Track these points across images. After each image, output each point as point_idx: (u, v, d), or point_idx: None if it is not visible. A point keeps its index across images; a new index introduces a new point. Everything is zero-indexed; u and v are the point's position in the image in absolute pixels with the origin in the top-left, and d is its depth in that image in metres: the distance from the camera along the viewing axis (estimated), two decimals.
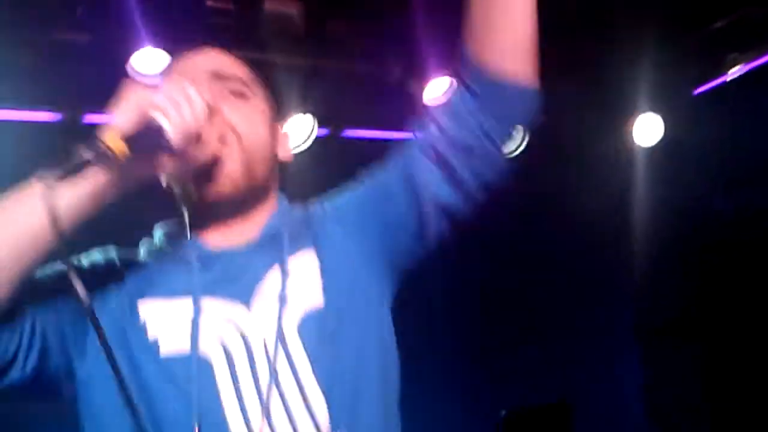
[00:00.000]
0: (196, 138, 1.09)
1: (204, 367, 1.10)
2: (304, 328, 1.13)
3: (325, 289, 1.17)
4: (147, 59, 3.13)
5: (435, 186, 1.20)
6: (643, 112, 3.97)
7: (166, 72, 1.30)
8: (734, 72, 3.82)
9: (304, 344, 1.12)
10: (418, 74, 3.44)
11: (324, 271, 1.19)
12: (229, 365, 1.10)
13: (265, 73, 1.34)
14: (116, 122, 1.04)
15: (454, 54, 1.24)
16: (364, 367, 1.16)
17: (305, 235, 1.24)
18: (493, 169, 1.23)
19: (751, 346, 4.07)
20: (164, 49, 3.13)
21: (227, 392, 1.09)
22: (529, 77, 1.20)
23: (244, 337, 1.12)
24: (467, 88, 1.20)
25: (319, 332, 1.13)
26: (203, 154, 1.13)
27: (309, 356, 1.11)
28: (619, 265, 4.38)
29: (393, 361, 1.24)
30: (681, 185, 4.12)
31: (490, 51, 1.17)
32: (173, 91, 1.06)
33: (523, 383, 4.20)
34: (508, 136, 1.24)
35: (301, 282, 1.18)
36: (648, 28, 3.57)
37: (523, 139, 4.01)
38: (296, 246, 1.22)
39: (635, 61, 3.75)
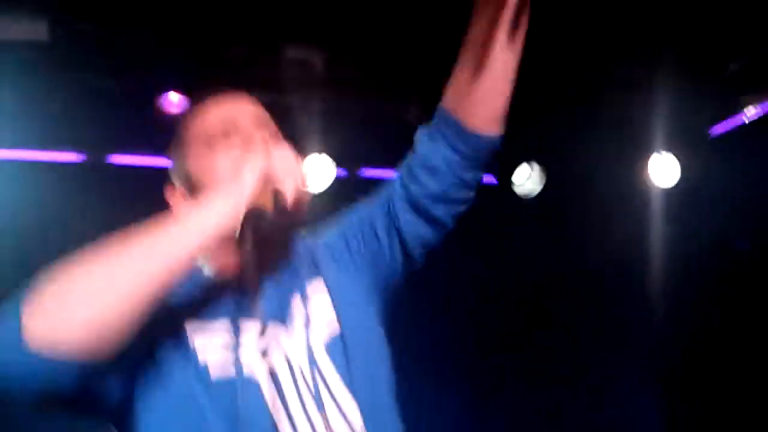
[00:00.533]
0: (302, 200, 1.23)
1: (251, 387, 1.20)
2: (330, 348, 1.28)
3: (338, 314, 1.32)
4: (171, 102, 3.24)
5: (413, 224, 1.38)
6: (660, 152, 3.98)
7: (199, 115, 1.41)
8: (750, 114, 3.83)
9: (332, 362, 1.28)
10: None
11: (333, 299, 1.34)
12: (275, 384, 1.23)
13: (281, 114, 1.43)
14: (248, 185, 1.18)
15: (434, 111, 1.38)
16: (379, 378, 1.33)
17: (313, 264, 1.39)
18: (466, 204, 1.41)
19: None
20: (186, 93, 3.23)
21: (276, 409, 1.21)
22: (500, 127, 1.37)
23: (286, 358, 1.26)
24: (447, 141, 1.35)
25: (342, 351, 1.28)
26: (303, 211, 1.26)
27: (338, 372, 1.27)
28: (636, 304, 4.35)
29: (392, 370, 1.38)
30: (698, 225, 4.10)
31: (475, 109, 1.33)
32: (285, 161, 1.22)
33: (540, 428, 4.15)
34: (480, 178, 1.41)
35: (320, 307, 1.33)
36: (665, 69, 3.61)
37: (541, 180, 4.04)
38: (310, 274, 1.37)
39: (652, 102, 3.78)
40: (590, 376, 4.28)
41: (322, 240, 1.43)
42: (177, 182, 1.39)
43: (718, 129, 4.03)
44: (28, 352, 1.02)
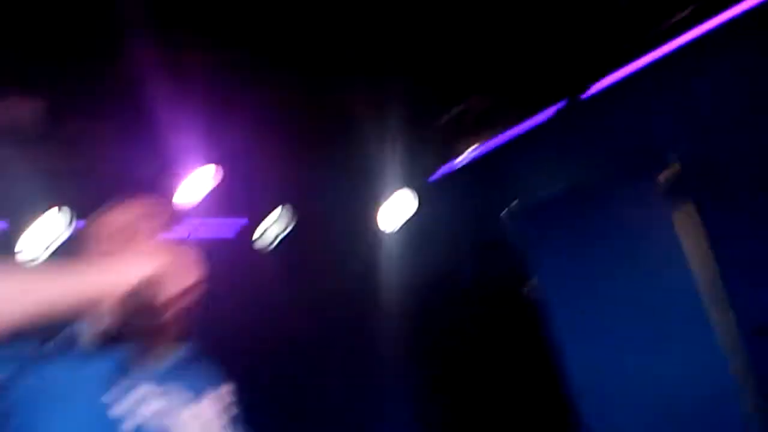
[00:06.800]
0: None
1: None
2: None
3: None
4: None
5: None
6: (391, 195, 4.27)
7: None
8: (463, 157, 4.26)
9: None
10: (171, 171, 3.42)
11: None
12: None
13: None
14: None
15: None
16: None
17: None
18: None
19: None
20: None
21: None
22: None
23: None
24: None
25: None
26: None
27: None
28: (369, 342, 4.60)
29: None
30: (425, 262, 4.44)
31: None
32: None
33: None
34: None
35: None
36: (389, 119, 3.87)
37: (284, 230, 4.15)
38: None
39: (380, 147, 4.04)
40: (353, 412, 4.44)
41: None
42: None
43: (437, 174, 4.42)
44: None
